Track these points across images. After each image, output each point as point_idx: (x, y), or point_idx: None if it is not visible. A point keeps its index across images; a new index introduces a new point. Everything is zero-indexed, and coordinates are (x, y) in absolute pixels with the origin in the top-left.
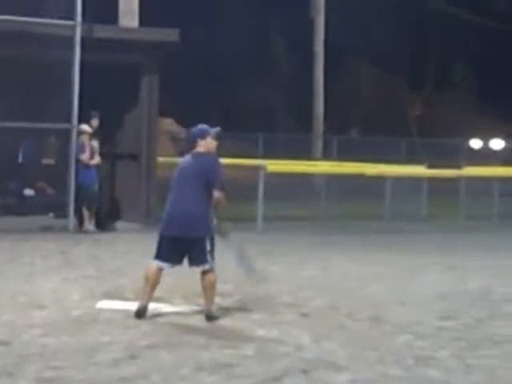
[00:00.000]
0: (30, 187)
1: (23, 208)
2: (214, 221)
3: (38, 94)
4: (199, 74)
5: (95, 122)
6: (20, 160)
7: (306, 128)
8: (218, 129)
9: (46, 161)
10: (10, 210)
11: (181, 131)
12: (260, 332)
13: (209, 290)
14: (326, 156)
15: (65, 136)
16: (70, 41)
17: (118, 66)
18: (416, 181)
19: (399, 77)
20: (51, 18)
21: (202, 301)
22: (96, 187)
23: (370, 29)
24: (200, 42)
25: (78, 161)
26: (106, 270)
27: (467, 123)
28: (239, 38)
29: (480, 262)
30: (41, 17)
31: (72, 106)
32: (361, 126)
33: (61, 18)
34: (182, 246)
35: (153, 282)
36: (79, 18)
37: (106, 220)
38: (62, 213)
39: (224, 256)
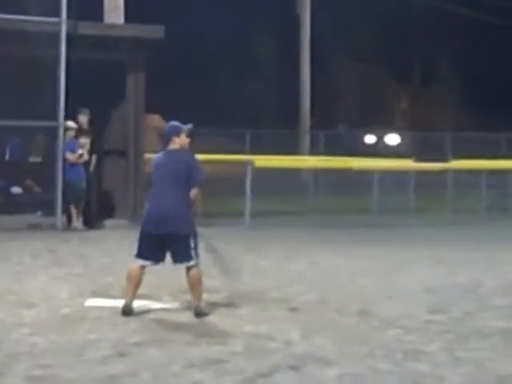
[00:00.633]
0: (18, 185)
1: (11, 206)
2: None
3: (23, 91)
4: (186, 71)
5: (83, 118)
6: (7, 158)
7: (293, 124)
8: (190, 126)
9: (33, 159)
10: None
11: None
12: (249, 328)
13: (196, 286)
14: (314, 151)
15: (51, 133)
16: (56, 38)
17: (103, 62)
18: (403, 174)
19: (385, 72)
20: (36, 15)
21: (189, 297)
22: (84, 184)
23: (355, 24)
24: (186, 38)
25: (65, 158)
26: (94, 267)
27: (454, 117)
28: (225, 35)
29: (468, 255)
30: (26, 14)
31: (58, 103)
32: (348, 121)
33: (46, 14)
34: (166, 243)
35: (135, 281)
36: (64, 14)
37: (94, 217)
38: (49, 211)
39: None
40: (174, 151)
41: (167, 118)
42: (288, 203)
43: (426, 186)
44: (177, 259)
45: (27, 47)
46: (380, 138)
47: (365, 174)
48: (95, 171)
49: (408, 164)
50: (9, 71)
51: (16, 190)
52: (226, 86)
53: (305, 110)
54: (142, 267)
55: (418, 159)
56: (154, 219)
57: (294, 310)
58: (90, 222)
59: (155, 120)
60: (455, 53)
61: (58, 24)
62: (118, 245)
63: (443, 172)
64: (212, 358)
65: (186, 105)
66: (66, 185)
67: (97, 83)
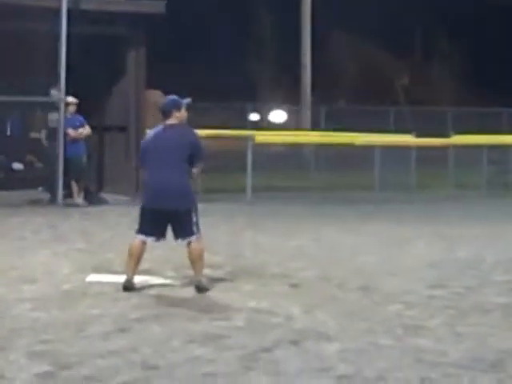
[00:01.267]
0: (19, 161)
1: (12, 182)
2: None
3: (24, 67)
4: (186, 46)
5: (55, 93)
6: (8, 133)
7: (294, 99)
8: (189, 100)
9: (33, 134)
10: None
11: None
12: (250, 303)
13: (197, 261)
14: (315, 126)
15: (52, 109)
16: (57, 13)
17: (104, 37)
18: (404, 150)
19: (386, 47)
20: None
21: (191, 272)
22: (84, 160)
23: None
24: (187, 13)
25: (65, 134)
26: (95, 243)
27: (455, 91)
28: (227, 10)
29: (469, 231)
30: None
31: (59, 78)
32: (349, 96)
33: None
34: (168, 218)
35: (136, 257)
36: None
37: (95, 193)
38: (50, 186)
39: (213, 228)
40: (174, 125)
41: (167, 94)
42: (289, 179)
43: (427, 161)
44: (179, 235)
45: (28, 22)
46: (264, 115)
47: (366, 150)
48: (95, 146)
49: (409, 139)
50: (9, 47)
51: (17, 165)
52: (226, 62)
53: (305, 85)
54: (144, 243)
55: (419, 135)
56: (156, 194)
57: (295, 285)
58: (91, 198)
59: (155, 95)
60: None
61: None
62: (119, 220)
63: (444, 148)
64: (213, 333)
65: (186, 80)
66: (66, 160)
67: (97, 58)
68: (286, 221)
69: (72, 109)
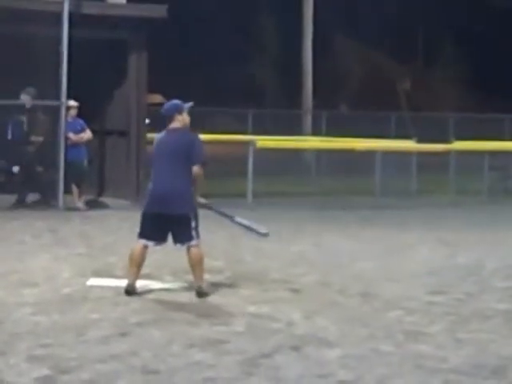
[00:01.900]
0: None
1: (12, 185)
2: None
3: (26, 71)
4: (187, 51)
5: (25, 98)
6: (9, 137)
7: (295, 104)
8: (191, 104)
9: (34, 138)
10: None
11: None
12: (251, 308)
13: (197, 266)
14: (316, 132)
15: (54, 113)
16: (58, 17)
17: (106, 42)
18: (405, 156)
19: (388, 52)
20: None
21: (191, 277)
22: (85, 164)
23: (357, 5)
24: (189, 18)
25: (66, 138)
26: (95, 247)
27: (457, 97)
28: (228, 15)
29: (470, 237)
30: None
31: (61, 82)
32: (350, 102)
33: None
34: (167, 223)
35: (138, 261)
36: None
37: (95, 197)
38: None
39: (213, 233)
40: (177, 130)
41: (169, 98)
42: (290, 184)
43: (428, 167)
44: (178, 240)
45: (30, 26)
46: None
47: (367, 156)
48: (96, 151)
49: (410, 145)
50: (11, 50)
51: (17, 169)
52: (227, 65)
53: (307, 90)
54: (145, 247)
55: (420, 140)
56: (157, 199)
57: (295, 290)
58: (92, 202)
59: (156, 99)
60: (459, 33)
61: (61, 3)
62: (119, 224)
63: (446, 153)
64: (213, 338)
65: (188, 84)
66: (67, 164)
67: (99, 62)
68: (287, 226)
69: (73, 112)
